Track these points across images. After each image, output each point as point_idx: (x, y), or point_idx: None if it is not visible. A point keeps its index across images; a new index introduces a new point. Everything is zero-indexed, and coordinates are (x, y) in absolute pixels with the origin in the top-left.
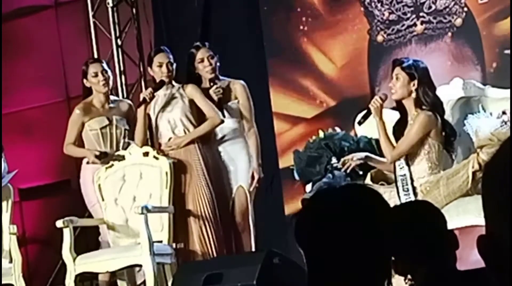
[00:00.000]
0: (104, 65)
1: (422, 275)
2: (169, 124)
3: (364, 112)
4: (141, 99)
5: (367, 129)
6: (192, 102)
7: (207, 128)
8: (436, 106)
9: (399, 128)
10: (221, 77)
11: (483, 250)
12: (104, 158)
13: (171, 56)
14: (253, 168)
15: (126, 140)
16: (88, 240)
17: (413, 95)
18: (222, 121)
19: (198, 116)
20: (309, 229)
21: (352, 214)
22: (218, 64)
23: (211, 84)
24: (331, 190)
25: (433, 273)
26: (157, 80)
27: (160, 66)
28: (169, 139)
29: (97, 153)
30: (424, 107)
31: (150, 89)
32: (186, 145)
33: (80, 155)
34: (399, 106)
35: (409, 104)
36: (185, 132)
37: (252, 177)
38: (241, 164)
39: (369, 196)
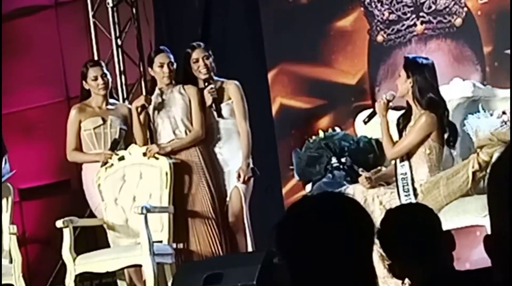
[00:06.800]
0: (104, 68)
1: (420, 277)
2: (171, 124)
3: (370, 111)
4: (139, 105)
5: (367, 129)
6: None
7: (189, 141)
8: (434, 107)
9: (403, 121)
10: (215, 78)
11: (489, 248)
12: (118, 144)
13: (171, 56)
14: (240, 168)
15: (117, 138)
16: (88, 240)
17: (410, 93)
18: (203, 137)
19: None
20: (291, 238)
21: (334, 221)
22: (213, 64)
23: (206, 84)
24: (310, 198)
25: (431, 275)
26: (158, 81)
27: (161, 66)
28: (172, 140)
29: (108, 152)
30: (418, 107)
31: (144, 96)
32: (178, 151)
33: (89, 160)
34: (407, 102)
35: (410, 101)
36: (186, 133)
37: (239, 176)
38: (236, 164)
39: (348, 203)
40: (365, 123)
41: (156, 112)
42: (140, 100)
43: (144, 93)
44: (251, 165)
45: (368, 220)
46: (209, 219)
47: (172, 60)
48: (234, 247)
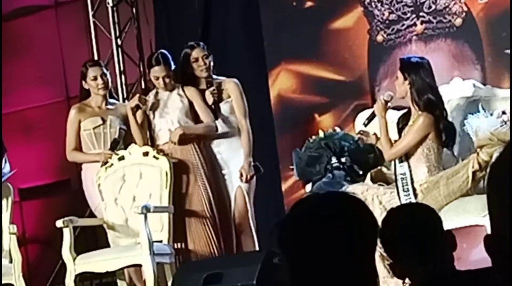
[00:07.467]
0: (103, 68)
1: (420, 277)
2: (168, 125)
3: (370, 113)
4: (133, 105)
5: (367, 128)
6: (191, 104)
7: (202, 131)
8: (432, 108)
9: (403, 121)
10: (214, 77)
11: (489, 248)
12: (117, 144)
13: (170, 65)
14: (242, 167)
15: (117, 137)
16: (88, 240)
17: (408, 94)
18: (217, 131)
19: (196, 119)
20: (293, 239)
21: (335, 222)
22: (212, 63)
23: (208, 85)
24: (314, 197)
25: (431, 275)
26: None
27: (157, 79)
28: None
29: (108, 152)
30: (416, 108)
31: (138, 96)
32: (181, 143)
33: (89, 160)
34: None
35: (409, 102)
36: None
37: (241, 175)
38: (237, 164)
39: (350, 203)
40: (365, 125)
41: (153, 112)
42: (134, 101)
43: (143, 93)
44: (253, 163)
45: (370, 221)
46: (206, 219)
47: (169, 72)
48: (238, 247)
